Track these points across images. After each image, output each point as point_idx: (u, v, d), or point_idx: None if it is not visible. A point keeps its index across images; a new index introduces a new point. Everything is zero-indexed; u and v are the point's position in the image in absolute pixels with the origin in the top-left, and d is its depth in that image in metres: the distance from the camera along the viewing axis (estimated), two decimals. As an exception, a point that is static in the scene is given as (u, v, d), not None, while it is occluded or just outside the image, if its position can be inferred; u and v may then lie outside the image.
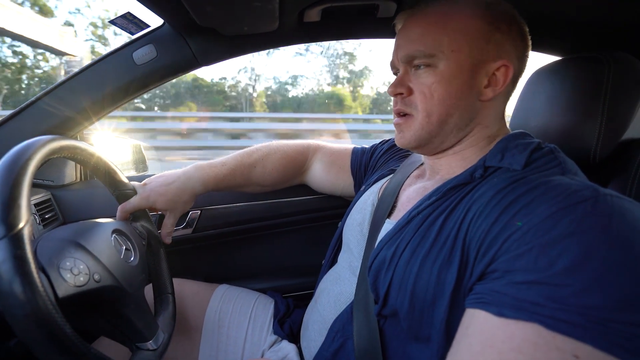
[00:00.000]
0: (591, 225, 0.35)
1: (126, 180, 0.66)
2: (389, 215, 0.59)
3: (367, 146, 0.87)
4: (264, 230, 1.01)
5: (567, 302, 0.33)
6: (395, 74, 0.58)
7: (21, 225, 0.36)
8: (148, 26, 0.73)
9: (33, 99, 0.80)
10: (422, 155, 0.63)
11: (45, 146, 0.44)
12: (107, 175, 0.62)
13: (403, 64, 0.54)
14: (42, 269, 0.40)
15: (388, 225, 0.56)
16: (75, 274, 0.43)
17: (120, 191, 0.65)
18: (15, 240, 0.35)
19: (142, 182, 0.72)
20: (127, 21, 0.68)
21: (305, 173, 0.92)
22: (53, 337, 0.36)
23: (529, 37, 0.53)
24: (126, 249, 0.55)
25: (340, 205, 1.00)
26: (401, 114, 0.55)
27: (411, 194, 0.58)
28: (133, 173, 1.25)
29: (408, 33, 0.53)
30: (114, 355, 0.65)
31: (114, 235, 0.54)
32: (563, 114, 0.62)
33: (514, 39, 0.51)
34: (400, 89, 0.53)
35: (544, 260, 0.35)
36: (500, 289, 0.36)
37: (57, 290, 0.40)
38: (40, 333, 0.35)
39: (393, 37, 0.83)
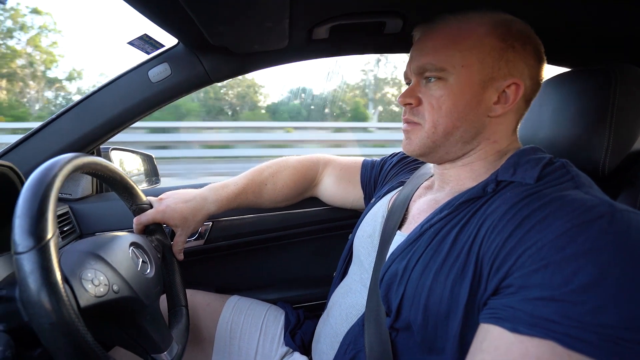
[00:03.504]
0: (608, 242, 0.35)
1: (143, 196, 0.69)
2: (400, 227, 0.59)
3: (377, 159, 0.88)
4: (275, 241, 1.02)
5: (582, 319, 0.33)
6: (407, 84, 0.59)
7: (49, 237, 0.38)
8: (163, 46, 0.76)
9: (54, 116, 0.84)
10: (432, 165, 0.63)
11: (70, 163, 0.46)
12: (125, 191, 0.65)
13: (415, 75, 0.55)
14: (65, 279, 0.41)
15: (399, 238, 0.56)
16: (95, 284, 0.44)
17: (137, 205, 0.67)
18: (43, 252, 0.37)
19: (159, 197, 0.75)
20: (144, 42, 0.71)
21: (315, 187, 0.93)
22: (76, 345, 0.37)
23: (545, 58, 0.53)
24: (143, 261, 0.57)
25: (350, 216, 1.00)
26: (409, 122, 0.57)
27: (422, 206, 0.59)
28: (145, 186, 1.28)
29: (422, 46, 0.54)
30: None
31: (131, 247, 0.56)
32: (571, 126, 0.62)
33: (527, 59, 0.51)
34: (410, 99, 0.55)
35: (560, 277, 0.35)
36: (515, 305, 0.36)
37: (80, 300, 0.42)
38: (64, 341, 0.37)
39: (400, 52, 0.86)
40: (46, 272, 0.37)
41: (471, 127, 0.52)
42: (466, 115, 0.51)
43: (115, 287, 0.47)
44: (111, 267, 0.49)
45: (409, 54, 0.58)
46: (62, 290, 0.37)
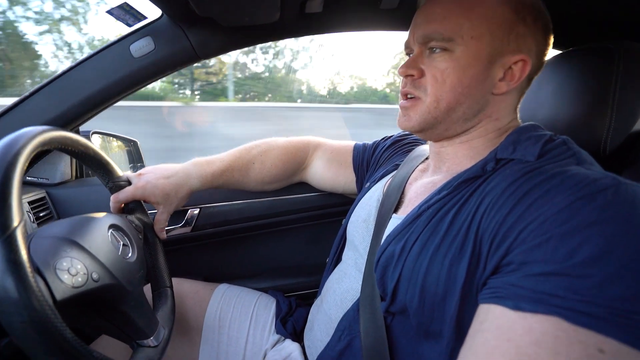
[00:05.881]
0: (613, 214, 0.33)
1: (120, 172, 0.64)
2: (396, 210, 0.57)
3: (368, 142, 0.86)
4: (265, 228, 0.99)
5: (589, 293, 0.31)
6: (408, 54, 0.56)
7: (14, 225, 0.34)
8: (145, 17, 0.71)
9: (27, 93, 0.78)
10: (428, 144, 0.61)
11: (34, 139, 0.41)
12: (100, 167, 0.60)
13: (418, 45, 0.51)
14: (37, 270, 0.37)
15: (395, 221, 0.54)
16: (72, 274, 0.40)
17: (114, 183, 0.63)
18: (8, 243, 0.33)
19: (137, 173, 0.70)
20: (124, 12, 0.66)
21: (305, 170, 0.90)
22: (53, 342, 0.34)
23: (552, 35, 0.51)
24: (124, 244, 0.53)
25: (341, 203, 0.98)
26: (409, 97, 0.53)
27: (419, 189, 0.57)
28: (129, 172, 1.23)
29: (429, 12, 0.50)
30: (114, 353, 0.64)
31: (110, 230, 0.52)
32: (572, 106, 0.60)
33: (536, 34, 0.48)
34: (412, 71, 0.51)
35: (563, 250, 0.33)
36: (517, 282, 0.35)
37: (55, 293, 0.37)
38: (39, 339, 0.33)
39: (396, 30, 0.83)
40: (13, 265, 0.33)
41: (474, 104, 0.50)
42: (470, 91, 0.49)
43: (94, 276, 0.43)
44: (89, 254, 0.45)
45: (407, 30, 0.55)
46: (34, 284, 0.33)
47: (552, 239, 0.34)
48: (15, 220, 0.34)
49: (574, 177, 0.38)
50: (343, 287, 0.61)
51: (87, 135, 1.09)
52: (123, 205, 0.66)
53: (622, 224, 0.33)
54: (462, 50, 0.47)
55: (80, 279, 0.41)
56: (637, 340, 0.29)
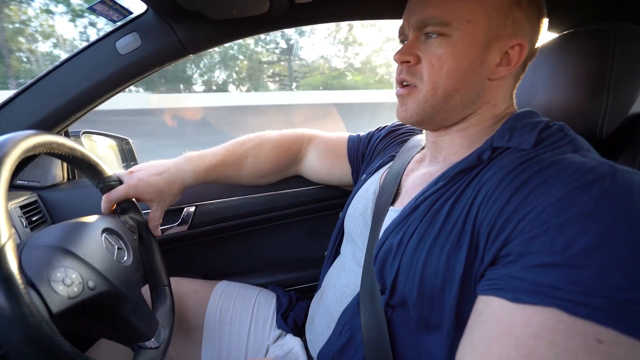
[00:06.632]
0: (610, 203, 0.33)
1: (110, 171, 0.62)
2: (393, 202, 0.57)
3: (362, 133, 0.85)
4: (262, 223, 0.99)
5: (587, 284, 0.31)
6: (402, 41, 0.55)
7: (2, 241, 0.33)
8: (131, 13, 0.69)
9: (12, 95, 0.76)
10: (424, 133, 0.60)
11: (17, 146, 0.39)
12: (89, 168, 0.58)
13: (414, 30, 0.50)
14: (31, 284, 0.37)
15: (393, 213, 0.54)
16: (67, 284, 0.40)
17: (104, 183, 0.61)
18: None
19: (129, 171, 0.69)
20: (108, 7, 0.63)
21: (299, 163, 0.90)
22: (51, 357, 0.33)
23: (545, 19, 0.50)
24: (118, 248, 0.52)
25: (338, 195, 0.97)
26: (404, 84, 0.52)
27: (416, 181, 0.56)
28: (120, 171, 1.22)
29: None
30: (115, 356, 0.64)
31: (104, 234, 0.51)
32: (567, 90, 0.60)
33: (531, 18, 0.48)
34: (408, 57, 0.50)
35: (561, 241, 0.33)
36: (515, 274, 0.35)
37: (51, 306, 0.37)
38: (37, 355, 0.33)
39: (390, 18, 0.81)
40: (4, 282, 0.32)
41: (472, 90, 0.49)
42: (468, 76, 0.48)
43: (90, 284, 0.42)
44: (84, 262, 0.44)
45: (401, 18, 0.53)
46: (28, 299, 0.33)
47: (549, 229, 0.34)
48: (4, 236, 0.33)
49: (571, 166, 0.37)
50: (342, 281, 0.61)
51: (76, 136, 1.07)
52: (115, 205, 0.65)
53: (619, 213, 0.32)
54: (458, 34, 0.46)
55: (75, 289, 0.40)
56: (635, 329, 0.29)
